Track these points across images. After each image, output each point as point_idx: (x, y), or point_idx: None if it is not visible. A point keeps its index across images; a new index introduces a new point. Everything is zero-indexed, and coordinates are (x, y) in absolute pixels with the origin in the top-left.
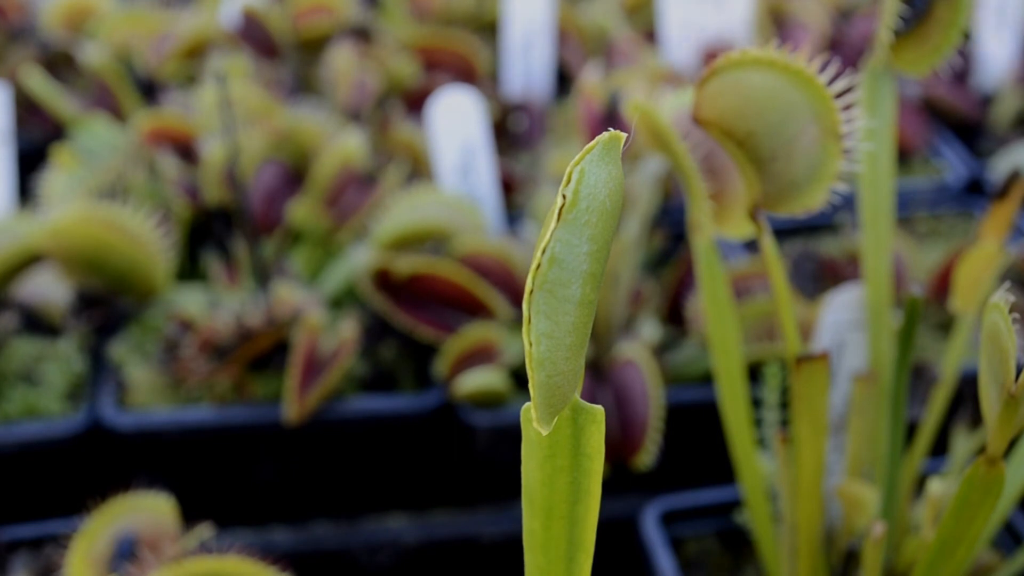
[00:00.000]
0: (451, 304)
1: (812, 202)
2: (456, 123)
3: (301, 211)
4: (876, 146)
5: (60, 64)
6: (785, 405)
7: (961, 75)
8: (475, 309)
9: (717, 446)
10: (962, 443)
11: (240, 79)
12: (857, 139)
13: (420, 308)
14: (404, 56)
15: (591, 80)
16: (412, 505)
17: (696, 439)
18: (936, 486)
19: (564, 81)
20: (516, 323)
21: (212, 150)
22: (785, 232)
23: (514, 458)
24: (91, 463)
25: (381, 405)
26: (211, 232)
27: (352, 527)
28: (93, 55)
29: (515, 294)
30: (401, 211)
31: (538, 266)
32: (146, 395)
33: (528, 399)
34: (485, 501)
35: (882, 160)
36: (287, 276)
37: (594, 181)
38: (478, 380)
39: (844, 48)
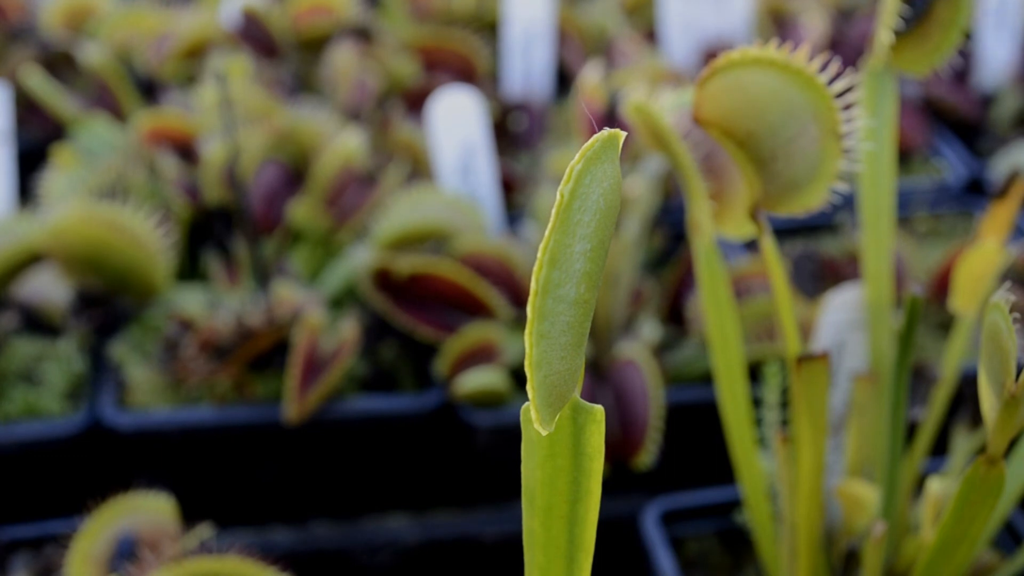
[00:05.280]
0: (451, 304)
1: (812, 202)
2: (456, 123)
3: (301, 211)
4: (876, 146)
5: (60, 64)
6: (785, 405)
7: (961, 75)
8: (475, 309)
9: (717, 446)
10: (962, 443)
11: (240, 79)
12: (857, 139)
13: (420, 308)
14: (404, 56)
15: (591, 80)
16: (412, 505)
17: (696, 439)
18: (936, 486)
19: (564, 81)
20: (516, 323)
21: (212, 150)
22: (785, 232)
23: (514, 458)
24: (91, 463)
25: (381, 405)
26: (211, 232)
27: (352, 527)
28: (93, 55)
29: (515, 294)
30: (401, 211)
31: (540, 267)
32: (146, 395)
33: (528, 399)
34: (485, 501)
35: (882, 160)
36: (287, 276)
37: (588, 180)
38: (478, 380)
39: (844, 48)
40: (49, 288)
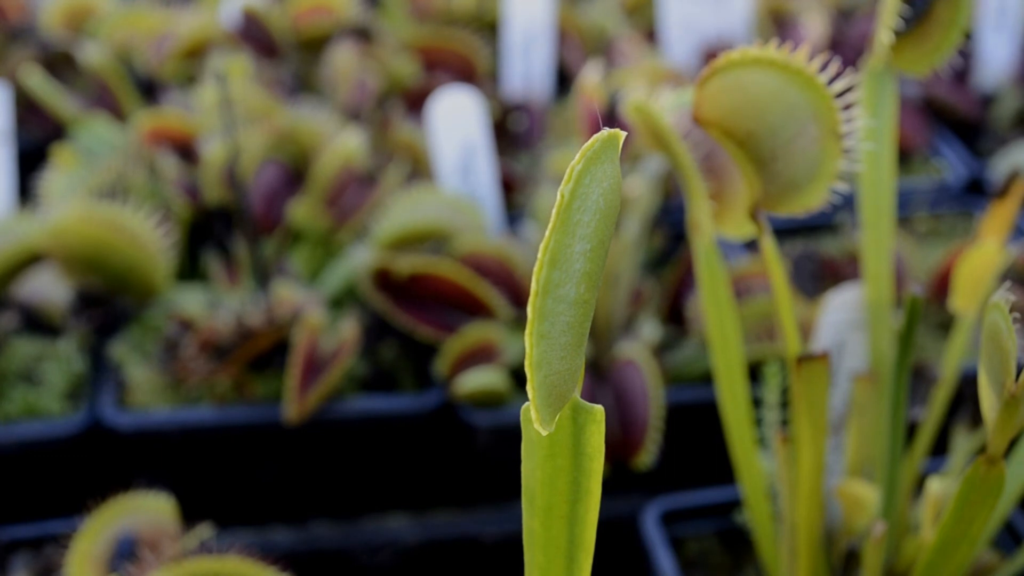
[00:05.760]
0: (451, 304)
1: (812, 202)
2: (456, 123)
3: (301, 211)
4: (876, 146)
5: (60, 64)
6: (785, 405)
7: (961, 75)
8: (475, 309)
9: (717, 446)
10: (962, 443)
11: (240, 79)
12: (857, 139)
13: (420, 308)
14: (404, 56)
15: (591, 80)
16: (412, 505)
17: (696, 439)
18: (936, 486)
19: (564, 81)
20: (516, 323)
21: (212, 150)
22: (785, 232)
23: (514, 458)
24: (91, 463)
25: (381, 405)
26: (211, 232)
27: (352, 527)
28: (93, 55)
29: (515, 294)
30: (401, 211)
31: (540, 267)
32: (146, 395)
33: (528, 399)
34: (485, 501)
35: (883, 160)
36: (287, 276)
37: (588, 180)
38: (478, 380)
39: (844, 48)
40: (49, 288)
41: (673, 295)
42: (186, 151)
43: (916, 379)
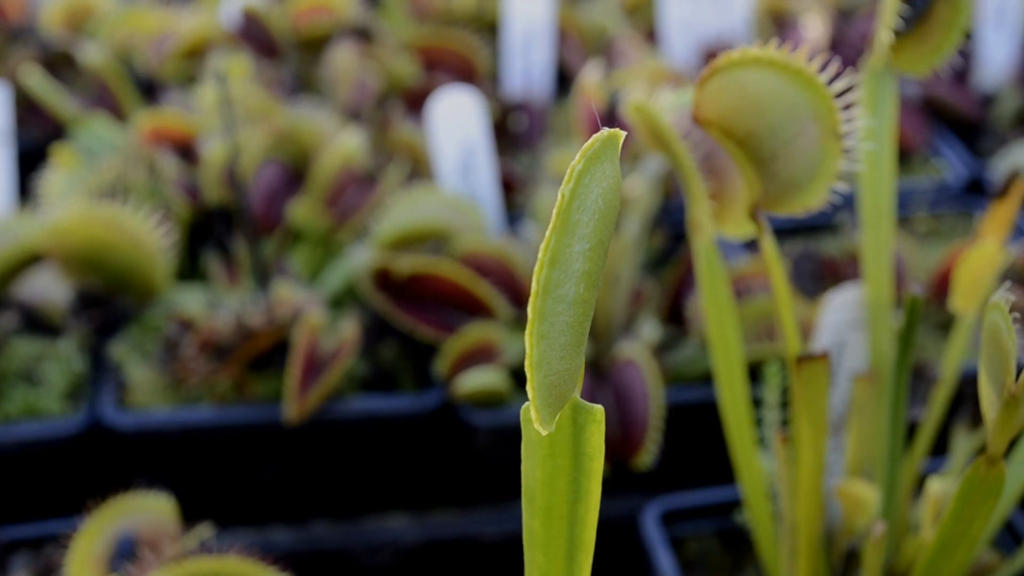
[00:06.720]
0: (451, 304)
1: (812, 202)
2: (456, 123)
3: (301, 211)
4: (876, 146)
5: (60, 64)
6: (785, 405)
7: (961, 75)
8: (475, 309)
9: (717, 446)
10: (962, 443)
11: (240, 79)
12: (857, 139)
13: (420, 308)
14: (404, 56)
15: (591, 80)
16: (412, 505)
17: (696, 439)
18: (936, 486)
19: (564, 81)
20: (516, 323)
21: (212, 150)
22: (785, 232)
23: (514, 458)
24: (91, 463)
25: (381, 405)
26: (211, 232)
27: (352, 527)
28: (93, 55)
29: (515, 294)
30: (401, 211)
31: (540, 267)
32: (146, 395)
33: (528, 399)
34: (485, 501)
35: (883, 160)
36: (287, 276)
37: (588, 180)
38: (478, 380)
39: (844, 48)
40: (49, 288)
41: (673, 295)
42: (186, 151)
43: (916, 379)
